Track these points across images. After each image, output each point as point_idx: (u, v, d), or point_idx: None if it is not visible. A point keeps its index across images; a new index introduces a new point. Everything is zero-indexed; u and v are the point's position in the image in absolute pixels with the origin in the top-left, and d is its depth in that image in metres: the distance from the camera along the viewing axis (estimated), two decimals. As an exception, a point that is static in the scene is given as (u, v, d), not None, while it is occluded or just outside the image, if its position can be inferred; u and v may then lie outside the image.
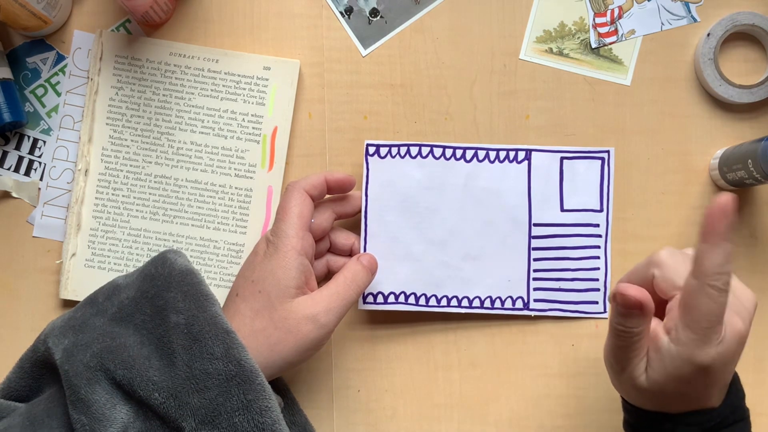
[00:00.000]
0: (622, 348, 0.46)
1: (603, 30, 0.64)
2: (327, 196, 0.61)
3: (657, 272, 0.48)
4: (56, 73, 0.64)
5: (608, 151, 0.62)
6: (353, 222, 0.63)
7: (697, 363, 0.44)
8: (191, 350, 0.48)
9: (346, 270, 0.56)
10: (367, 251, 0.61)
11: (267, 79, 0.62)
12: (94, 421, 0.47)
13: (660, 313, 0.48)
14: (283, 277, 0.52)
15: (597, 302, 0.62)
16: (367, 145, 0.61)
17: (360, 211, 0.61)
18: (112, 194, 0.62)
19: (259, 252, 0.55)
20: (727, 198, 0.42)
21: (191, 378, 0.48)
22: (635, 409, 0.49)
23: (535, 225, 0.62)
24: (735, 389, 0.48)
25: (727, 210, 0.42)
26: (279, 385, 0.60)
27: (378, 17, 0.64)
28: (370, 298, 0.61)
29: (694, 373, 0.44)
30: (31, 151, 0.64)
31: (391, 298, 0.62)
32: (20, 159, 0.64)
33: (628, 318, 0.45)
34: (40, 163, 0.63)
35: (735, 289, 0.47)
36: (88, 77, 0.63)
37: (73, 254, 0.62)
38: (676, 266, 0.47)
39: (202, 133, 0.62)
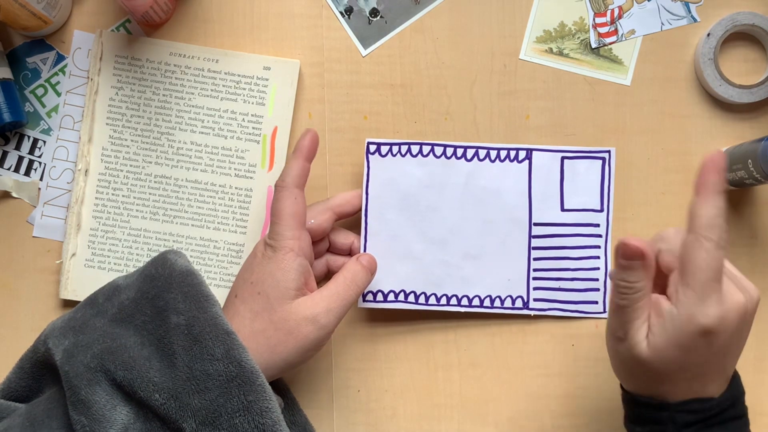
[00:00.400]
0: (624, 309, 0.47)
1: (603, 30, 0.64)
2: (327, 196, 0.62)
3: (662, 245, 0.49)
4: (56, 73, 0.64)
5: (609, 152, 0.62)
6: (353, 221, 0.63)
7: (696, 323, 0.44)
8: (192, 351, 0.48)
9: (346, 270, 0.56)
10: (368, 249, 0.61)
11: (267, 79, 0.62)
12: (95, 422, 0.47)
13: (663, 291, 0.49)
14: (282, 279, 0.52)
15: (597, 302, 0.62)
16: (368, 143, 0.61)
17: (359, 210, 0.61)
18: (112, 194, 0.62)
19: (258, 254, 0.55)
20: (719, 153, 0.46)
21: (192, 379, 0.48)
22: (634, 398, 0.49)
23: (536, 224, 0.62)
24: (735, 384, 0.48)
25: (718, 164, 0.45)
26: (279, 386, 0.60)
27: (378, 17, 0.64)
28: (369, 297, 0.61)
29: (695, 337, 0.45)
30: (31, 151, 0.64)
31: (391, 297, 0.62)
32: (20, 159, 0.64)
33: (629, 271, 0.46)
34: (40, 163, 0.63)
35: (739, 278, 0.48)
36: (88, 77, 0.63)
37: (73, 254, 0.62)
38: (680, 241, 0.48)
39: (202, 133, 0.62)
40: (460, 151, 0.62)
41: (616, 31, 0.64)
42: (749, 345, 0.62)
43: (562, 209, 0.62)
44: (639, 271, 0.46)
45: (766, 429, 0.63)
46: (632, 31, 0.64)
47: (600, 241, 0.62)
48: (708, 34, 0.62)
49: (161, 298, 0.51)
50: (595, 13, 0.64)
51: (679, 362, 0.46)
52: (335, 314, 0.53)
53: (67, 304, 0.63)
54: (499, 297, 0.62)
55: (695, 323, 0.44)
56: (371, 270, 0.58)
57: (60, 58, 0.64)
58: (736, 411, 0.48)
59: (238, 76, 0.62)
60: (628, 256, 0.46)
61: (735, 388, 0.48)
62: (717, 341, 0.45)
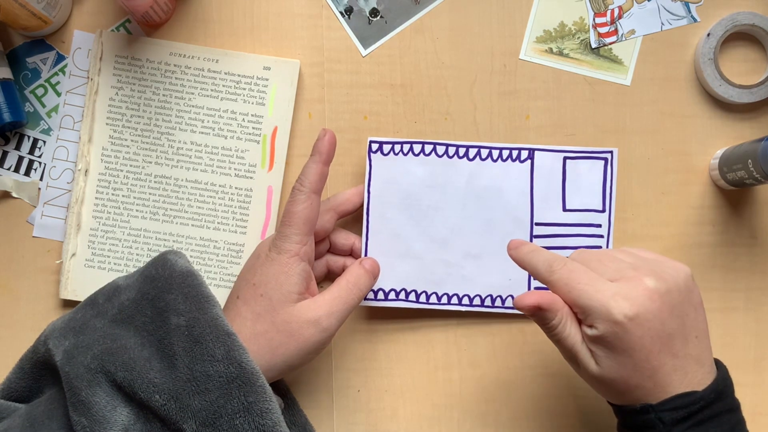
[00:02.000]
0: (559, 343, 0.50)
1: (603, 30, 0.64)
2: (327, 197, 0.61)
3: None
4: (56, 73, 0.64)
5: (611, 152, 0.62)
6: (354, 220, 0.63)
7: (608, 325, 0.46)
8: (192, 352, 0.48)
9: (349, 274, 0.56)
10: (369, 248, 0.61)
11: (267, 79, 0.62)
12: (95, 423, 0.47)
13: None
14: (285, 283, 0.52)
15: (597, 302, 0.62)
16: (371, 141, 0.61)
17: (360, 207, 0.61)
18: (112, 194, 0.62)
19: (261, 255, 0.55)
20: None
21: (192, 380, 0.48)
22: (620, 408, 0.50)
23: (537, 224, 0.62)
24: (721, 377, 0.48)
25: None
26: (279, 386, 0.60)
27: (378, 17, 0.64)
28: (370, 295, 0.62)
29: (620, 336, 0.46)
30: (31, 151, 0.64)
31: (392, 295, 0.62)
32: (20, 159, 0.63)
33: (537, 318, 0.49)
34: (40, 163, 0.63)
35: (661, 261, 0.50)
36: (88, 77, 0.63)
37: (73, 254, 0.62)
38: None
39: (202, 133, 0.62)
40: (462, 151, 0.62)
41: (616, 31, 0.64)
42: (749, 345, 0.63)
43: (564, 209, 0.62)
44: (543, 313, 0.49)
45: (766, 429, 0.63)
46: (632, 31, 0.64)
47: (602, 242, 0.62)
48: (708, 34, 0.62)
49: (161, 299, 0.51)
50: (595, 13, 0.64)
51: (629, 365, 0.47)
52: (337, 317, 0.53)
53: (67, 304, 0.63)
54: (500, 296, 0.62)
55: (611, 330, 0.46)
56: (374, 274, 0.58)
57: (60, 58, 0.64)
58: (725, 404, 0.48)
59: (238, 76, 0.62)
60: (529, 313, 0.49)
61: (720, 381, 0.48)
62: (644, 332, 0.46)
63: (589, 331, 0.47)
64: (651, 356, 0.46)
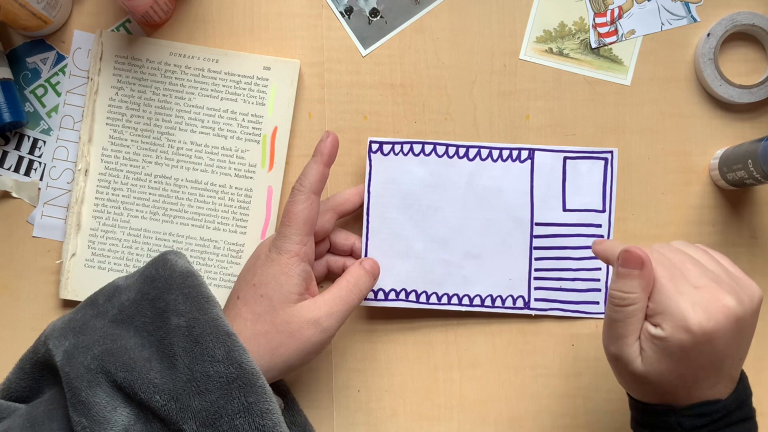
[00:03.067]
0: (616, 324, 0.47)
1: (603, 30, 0.64)
2: (327, 196, 0.61)
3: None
4: (56, 73, 0.64)
5: (612, 152, 0.62)
6: (354, 220, 0.63)
7: (680, 336, 0.44)
8: (192, 353, 0.48)
9: (349, 275, 0.56)
10: (369, 248, 0.61)
11: (267, 79, 0.62)
12: (95, 423, 0.47)
13: None
14: (285, 283, 0.52)
15: (598, 302, 0.62)
16: (371, 141, 0.61)
17: (360, 207, 0.61)
18: (112, 194, 0.62)
19: (261, 255, 0.55)
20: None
21: (192, 380, 0.48)
22: (641, 404, 0.49)
23: (537, 224, 0.62)
24: (743, 386, 0.48)
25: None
26: (279, 387, 0.60)
27: (378, 17, 0.64)
28: (370, 295, 0.62)
29: (685, 348, 0.45)
30: (31, 151, 0.63)
31: (392, 295, 0.62)
32: (20, 159, 0.63)
33: (625, 279, 0.46)
34: (40, 163, 0.63)
35: (739, 278, 0.48)
36: (88, 77, 0.63)
37: (73, 254, 0.62)
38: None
39: (202, 133, 0.62)
40: (462, 151, 0.62)
41: (616, 31, 0.64)
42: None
43: (564, 209, 0.62)
44: (635, 280, 0.46)
45: (766, 429, 0.63)
46: (632, 31, 0.64)
47: (601, 242, 0.62)
48: (708, 34, 0.62)
49: (162, 300, 0.51)
50: (595, 13, 0.64)
51: (675, 373, 0.46)
52: (337, 318, 0.53)
53: (67, 304, 0.63)
54: (500, 296, 0.62)
55: (679, 337, 0.45)
56: (374, 275, 0.58)
57: (60, 58, 0.64)
58: (743, 413, 0.47)
59: (238, 76, 0.62)
60: (627, 263, 0.46)
61: (742, 390, 0.48)
62: (707, 348, 0.45)
63: (653, 330, 0.46)
64: (700, 371, 0.46)
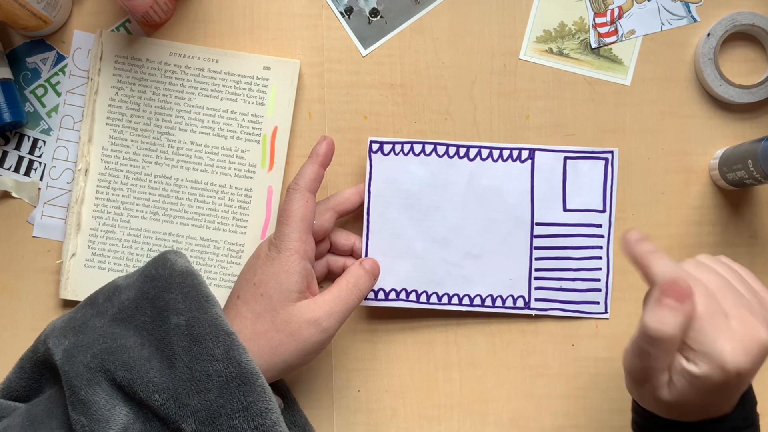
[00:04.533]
0: (648, 356, 0.44)
1: (603, 30, 0.64)
2: (327, 196, 0.61)
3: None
4: (56, 73, 0.64)
5: (612, 152, 0.62)
6: (354, 220, 0.63)
7: (715, 376, 0.42)
8: (192, 352, 0.48)
9: (349, 275, 0.56)
10: (369, 248, 0.61)
11: (267, 79, 0.62)
12: (94, 422, 0.47)
13: None
14: (285, 282, 0.52)
15: (598, 302, 0.62)
16: (371, 141, 0.61)
17: (360, 207, 0.61)
18: (112, 194, 0.62)
19: (261, 255, 0.55)
20: (630, 232, 0.48)
21: (192, 379, 0.48)
22: (648, 415, 0.49)
23: (538, 224, 0.62)
24: (749, 396, 0.48)
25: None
26: (279, 386, 0.60)
27: (378, 17, 0.64)
28: (370, 295, 0.62)
29: (718, 385, 0.43)
30: (31, 151, 0.64)
31: (392, 295, 0.62)
32: (20, 159, 0.63)
33: (667, 312, 0.42)
34: (40, 163, 0.63)
35: (765, 299, 0.46)
36: (88, 77, 0.63)
37: (73, 254, 0.62)
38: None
39: (202, 133, 0.62)
40: (462, 151, 0.62)
41: (616, 31, 0.64)
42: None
43: (565, 209, 0.62)
44: (679, 317, 0.42)
45: (766, 429, 0.62)
46: (632, 31, 0.64)
47: (602, 242, 0.62)
48: (708, 34, 0.62)
49: (161, 299, 0.51)
50: (595, 13, 0.64)
51: (698, 400, 0.44)
52: (337, 318, 0.53)
53: (67, 304, 0.63)
54: (501, 296, 0.62)
55: (714, 377, 0.43)
56: (374, 275, 0.58)
57: (60, 58, 0.64)
58: (746, 422, 0.47)
59: (238, 76, 0.62)
60: (678, 297, 0.43)
61: (748, 401, 0.47)
62: (737, 381, 0.43)
63: (687, 365, 0.43)
64: (721, 399, 0.45)
